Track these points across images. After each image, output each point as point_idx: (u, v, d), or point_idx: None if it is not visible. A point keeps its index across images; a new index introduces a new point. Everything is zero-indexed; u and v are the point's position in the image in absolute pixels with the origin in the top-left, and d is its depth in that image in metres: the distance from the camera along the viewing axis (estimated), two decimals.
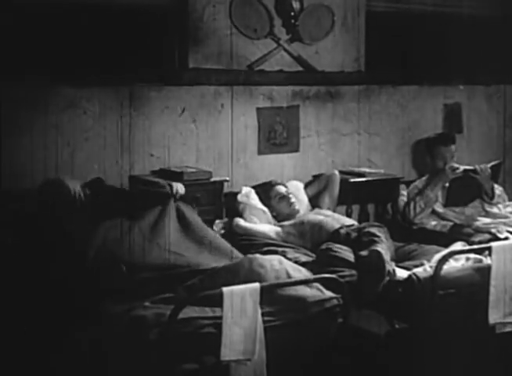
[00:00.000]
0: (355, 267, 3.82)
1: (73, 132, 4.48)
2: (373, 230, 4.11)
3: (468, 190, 5.13)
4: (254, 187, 4.81)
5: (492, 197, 5.14)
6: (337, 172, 5.03)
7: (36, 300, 3.45)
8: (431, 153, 5.33)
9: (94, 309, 3.29)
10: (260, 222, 4.63)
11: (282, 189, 4.77)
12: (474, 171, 5.07)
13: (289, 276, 3.39)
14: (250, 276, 3.27)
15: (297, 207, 4.72)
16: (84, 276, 3.47)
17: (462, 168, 5.11)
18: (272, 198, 4.74)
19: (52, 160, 4.42)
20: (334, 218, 4.56)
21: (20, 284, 3.55)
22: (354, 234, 4.19)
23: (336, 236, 4.29)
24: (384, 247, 3.90)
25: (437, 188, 5.10)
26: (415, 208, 5.05)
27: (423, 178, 5.29)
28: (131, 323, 3.07)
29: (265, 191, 4.76)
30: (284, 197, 4.73)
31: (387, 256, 3.78)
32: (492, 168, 5.11)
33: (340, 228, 4.37)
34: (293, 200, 4.73)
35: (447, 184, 5.10)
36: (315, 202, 4.95)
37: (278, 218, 4.70)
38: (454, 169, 5.08)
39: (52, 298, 3.43)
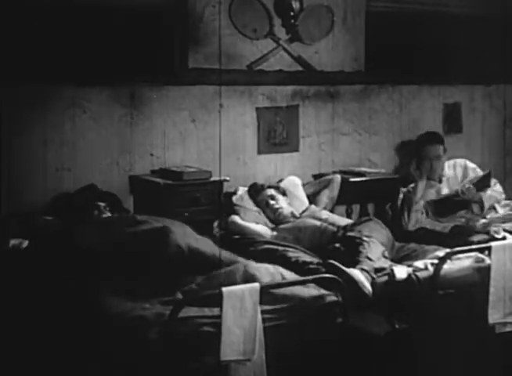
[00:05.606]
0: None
1: (74, 132, 4.48)
2: (357, 234, 4.04)
3: (455, 207, 5.06)
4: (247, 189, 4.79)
5: (482, 209, 5.04)
6: (339, 176, 5.01)
7: (36, 299, 3.45)
8: (418, 154, 5.23)
9: (94, 308, 3.29)
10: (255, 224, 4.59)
11: (267, 193, 4.69)
12: (456, 195, 5.00)
13: (284, 279, 3.40)
14: (246, 278, 3.28)
15: (284, 212, 4.61)
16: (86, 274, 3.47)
17: (444, 194, 5.07)
18: (260, 202, 4.70)
19: (52, 160, 4.42)
20: (329, 223, 4.47)
21: (21, 282, 3.55)
22: (342, 248, 4.05)
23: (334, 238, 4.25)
24: (369, 255, 3.82)
25: (425, 195, 5.04)
26: (409, 219, 4.97)
27: (410, 186, 5.11)
28: (131, 323, 3.07)
29: (255, 194, 4.73)
30: (268, 204, 4.66)
31: (363, 275, 3.64)
32: (476, 184, 5.01)
33: (337, 232, 4.31)
34: (276, 206, 4.63)
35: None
36: (312, 199, 4.93)
37: (270, 221, 4.65)
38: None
39: (53, 297, 3.44)
